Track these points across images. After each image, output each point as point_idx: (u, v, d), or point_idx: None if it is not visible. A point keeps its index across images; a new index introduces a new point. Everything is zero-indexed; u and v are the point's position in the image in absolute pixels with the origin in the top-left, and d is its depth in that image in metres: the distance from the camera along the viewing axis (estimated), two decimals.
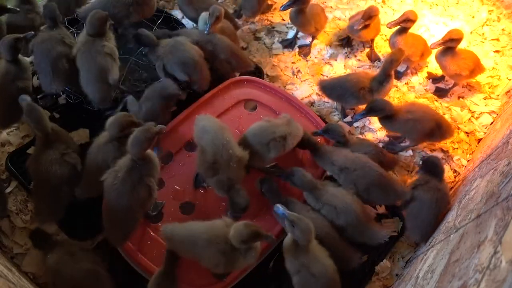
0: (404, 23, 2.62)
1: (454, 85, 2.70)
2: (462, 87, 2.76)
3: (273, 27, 3.01)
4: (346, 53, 2.91)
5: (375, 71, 2.52)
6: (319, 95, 2.69)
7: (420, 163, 2.31)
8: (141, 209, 1.84)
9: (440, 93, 2.72)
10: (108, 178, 1.80)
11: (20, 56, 2.19)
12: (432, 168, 2.09)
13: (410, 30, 2.69)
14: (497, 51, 2.95)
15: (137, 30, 2.33)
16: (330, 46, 2.94)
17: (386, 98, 2.51)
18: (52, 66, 2.18)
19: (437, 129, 2.30)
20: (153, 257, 1.90)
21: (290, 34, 2.97)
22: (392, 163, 2.25)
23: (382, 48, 2.94)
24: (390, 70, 2.41)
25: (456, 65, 2.55)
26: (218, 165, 1.90)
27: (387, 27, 2.68)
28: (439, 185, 2.04)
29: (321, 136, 2.26)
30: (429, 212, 1.98)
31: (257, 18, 3.07)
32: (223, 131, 1.99)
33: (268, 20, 3.07)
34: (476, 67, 2.61)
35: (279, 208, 1.76)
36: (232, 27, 2.65)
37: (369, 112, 2.29)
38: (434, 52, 2.72)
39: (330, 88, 2.50)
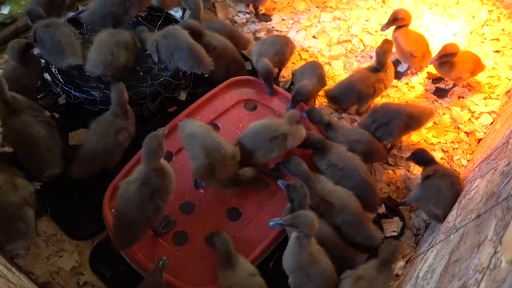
0: (395, 22, 2.64)
1: (454, 85, 2.70)
2: (462, 87, 2.77)
3: (273, 27, 3.01)
4: (346, 52, 2.91)
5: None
6: (318, 95, 2.69)
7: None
8: (148, 223, 1.84)
9: (440, 93, 2.72)
10: (122, 187, 1.80)
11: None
12: (423, 159, 2.20)
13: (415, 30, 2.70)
14: (497, 51, 2.96)
15: (136, 29, 2.35)
16: (330, 46, 2.95)
17: (387, 98, 2.52)
18: (65, 41, 2.24)
19: (411, 121, 2.32)
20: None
21: (290, 35, 2.97)
22: (383, 153, 2.31)
23: None
24: (384, 60, 2.43)
25: (456, 71, 2.55)
26: (213, 166, 1.92)
27: (381, 30, 2.70)
28: (447, 170, 2.14)
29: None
30: (448, 193, 2.03)
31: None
32: (211, 133, 2.00)
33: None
34: (476, 67, 2.62)
35: (276, 222, 1.77)
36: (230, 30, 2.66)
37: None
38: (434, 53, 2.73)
39: (340, 95, 2.49)
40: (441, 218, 2.04)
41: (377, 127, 2.29)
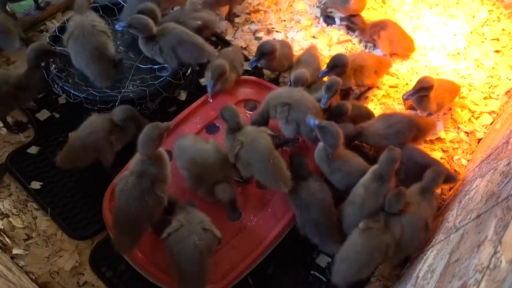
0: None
1: (429, 115, 2.59)
2: (462, 87, 2.76)
3: (273, 28, 3.01)
4: (346, 52, 2.91)
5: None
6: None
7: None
8: (150, 218, 1.83)
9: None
10: (119, 183, 1.79)
11: None
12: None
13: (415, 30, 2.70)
14: (497, 51, 2.96)
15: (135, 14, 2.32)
16: (330, 46, 2.95)
17: (387, 98, 2.51)
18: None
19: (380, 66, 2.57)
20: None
21: (290, 35, 2.97)
22: (369, 115, 2.37)
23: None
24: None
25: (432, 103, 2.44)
26: (201, 175, 1.95)
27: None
28: None
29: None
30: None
31: (257, 18, 3.07)
32: (197, 143, 2.02)
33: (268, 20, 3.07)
34: (452, 93, 2.55)
35: (311, 119, 1.95)
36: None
37: (332, 68, 2.42)
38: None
39: None
40: None
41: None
